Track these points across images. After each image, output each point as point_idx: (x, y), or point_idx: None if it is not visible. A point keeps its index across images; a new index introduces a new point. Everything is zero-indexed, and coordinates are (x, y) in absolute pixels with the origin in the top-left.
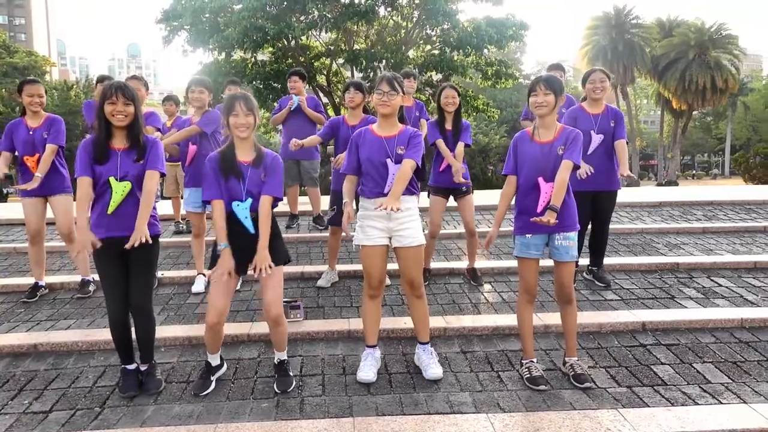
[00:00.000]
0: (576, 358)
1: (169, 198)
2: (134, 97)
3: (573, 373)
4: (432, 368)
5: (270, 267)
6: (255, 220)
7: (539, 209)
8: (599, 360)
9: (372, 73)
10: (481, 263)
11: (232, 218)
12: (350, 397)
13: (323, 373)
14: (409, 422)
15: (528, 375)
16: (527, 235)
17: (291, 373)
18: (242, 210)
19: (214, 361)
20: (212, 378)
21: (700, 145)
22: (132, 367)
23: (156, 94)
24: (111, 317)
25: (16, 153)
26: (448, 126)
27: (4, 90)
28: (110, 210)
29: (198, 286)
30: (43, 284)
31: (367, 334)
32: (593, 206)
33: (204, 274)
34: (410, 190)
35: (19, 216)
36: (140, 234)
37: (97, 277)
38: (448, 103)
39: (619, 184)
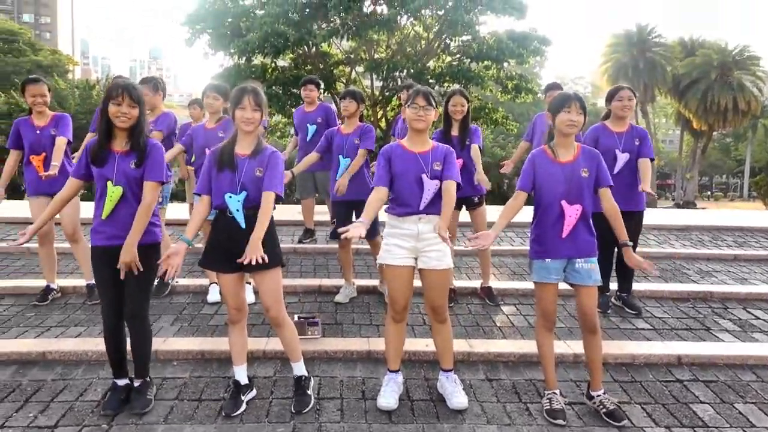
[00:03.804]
0: (603, 391)
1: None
2: (140, 99)
3: (605, 409)
4: (457, 397)
5: (263, 259)
6: (248, 216)
7: (564, 234)
8: (634, 395)
9: (392, 83)
10: (504, 284)
11: (222, 214)
12: (370, 425)
13: (342, 397)
14: None
15: (548, 407)
16: (546, 260)
17: (310, 392)
18: (234, 202)
19: (242, 378)
20: (243, 398)
21: (719, 167)
22: (122, 382)
23: (176, 96)
24: (104, 325)
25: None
26: (455, 132)
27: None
28: (104, 215)
29: (213, 296)
30: (56, 287)
31: (390, 358)
32: None
33: (216, 283)
34: (440, 208)
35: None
36: (128, 255)
37: None
38: (456, 111)
39: (644, 204)
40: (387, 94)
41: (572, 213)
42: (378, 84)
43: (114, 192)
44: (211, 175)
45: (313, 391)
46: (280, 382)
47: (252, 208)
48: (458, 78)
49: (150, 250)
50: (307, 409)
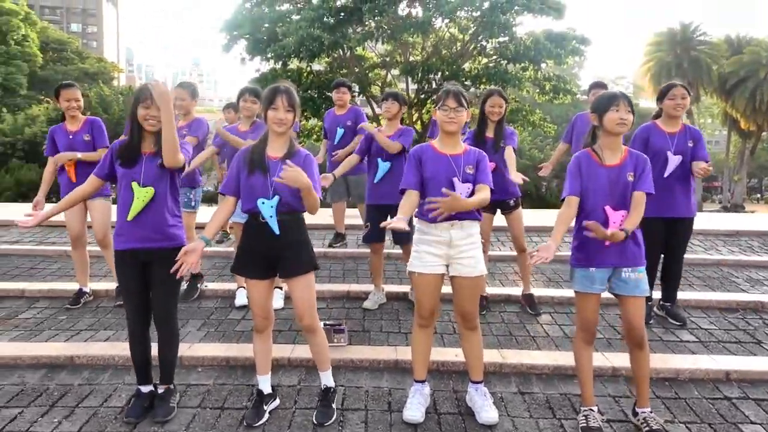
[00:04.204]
0: (649, 409)
1: None
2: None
3: (648, 428)
4: (486, 411)
5: (290, 166)
6: (281, 221)
7: (608, 242)
8: (678, 413)
9: (427, 85)
10: (540, 291)
11: (254, 219)
12: None
13: (366, 408)
14: None
15: (584, 424)
16: (590, 269)
17: (334, 405)
18: (267, 207)
19: (265, 387)
20: (265, 408)
21: None
22: (146, 389)
23: (216, 101)
24: (129, 331)
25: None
26: (489, 134)
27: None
28: (130, 216)
29: (241, 299)
30: (88, 290)
31: (416, 366)
32: (667, 234)
33: (244, 287)
34: (474, 215)
35: None
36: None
37: None
38: (494, 112)
39: (695, 209)
40: (422, 96)
41: (617, 219)
42: (413, 87)
43: (146, 193)
44: (239, 177)
45: (336, 404)
46: (304, 392)
47: (286, 213)
48: (495, 80)
49: (176, 254)
50: (330, 422)
